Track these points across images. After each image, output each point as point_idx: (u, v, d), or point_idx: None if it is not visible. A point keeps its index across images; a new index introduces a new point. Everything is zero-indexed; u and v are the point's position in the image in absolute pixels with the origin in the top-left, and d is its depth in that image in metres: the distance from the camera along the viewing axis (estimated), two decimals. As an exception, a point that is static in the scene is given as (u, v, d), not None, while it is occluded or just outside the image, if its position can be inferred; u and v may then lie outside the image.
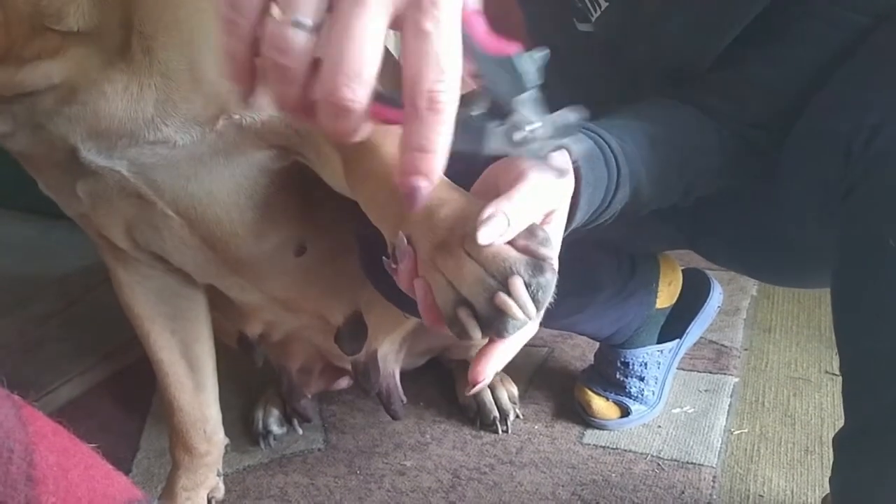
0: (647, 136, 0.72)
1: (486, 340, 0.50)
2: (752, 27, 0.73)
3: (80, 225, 0.89)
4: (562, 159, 0.58)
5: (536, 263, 0.48)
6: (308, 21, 0.38)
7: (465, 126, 0.42)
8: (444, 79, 0.39)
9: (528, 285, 0.47)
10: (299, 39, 0.38)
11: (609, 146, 0.66)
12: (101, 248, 0.92)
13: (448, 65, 0.39)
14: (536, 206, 0.51)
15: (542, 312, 0.49)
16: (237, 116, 0.73)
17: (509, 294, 0.46)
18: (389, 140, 0.61)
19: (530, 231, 0.49)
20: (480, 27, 0.41)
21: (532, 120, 0.44)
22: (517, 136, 0.44)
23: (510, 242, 0.49)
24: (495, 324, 0.47)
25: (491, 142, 0.44)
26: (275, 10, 0.39)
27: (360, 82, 0.38)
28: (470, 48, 0.40)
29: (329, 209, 0.90)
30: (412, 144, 0.40)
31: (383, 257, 0.55)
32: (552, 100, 0.67)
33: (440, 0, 0.38)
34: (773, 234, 0.86)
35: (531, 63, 0.43)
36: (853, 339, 0.72)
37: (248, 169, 0.79)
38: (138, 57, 0.69)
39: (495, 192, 0.50)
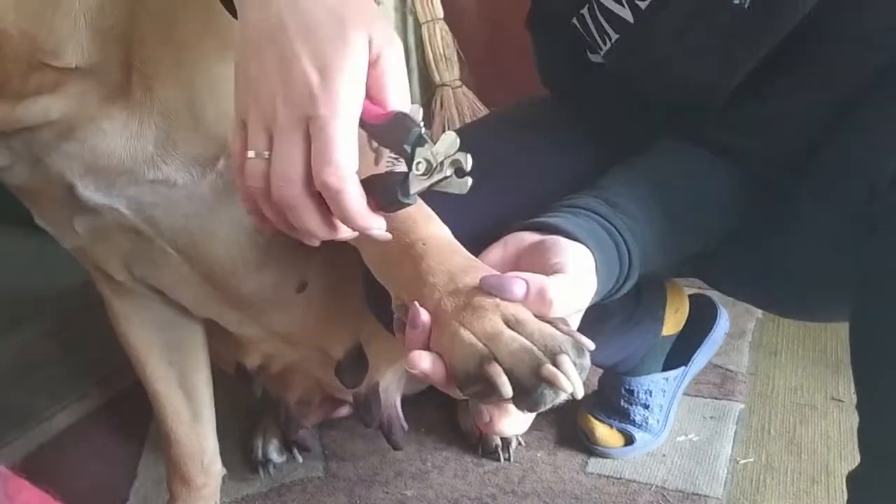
0: (659, 206, 0.72)
1: None
2: (771, 64, 0.71)
3: (75, 257, 0.87)
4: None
5: (580, 347, 0.48)
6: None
7: (387, 186, 0.50)
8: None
9: (573, 363, 0.47)
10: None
11: (623, 238, 0.66)
12: (97, 279, 0.90)
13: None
14: (577, 297, 0.54)
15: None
16: None
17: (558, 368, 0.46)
18: None
19: (564, 321, 0.51)
20: (369, 108, 0.50)
21: (429, 152, 0.49)
22: (425, 168, 0.49)
23: (552, 325, 0.49)
24: (534, 395, 0.46)
25: (412, 187, 0.50)
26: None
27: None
28: (366, 128, 0.50)
29: (331, 244, 0.88)
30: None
31: (394, 315, 0.55)
32: (557, 118, 0.67)
33: (322, 118, 0.48)
34: (783, 264, 0.84)
35: (409, 110, 0.51)
36: (871, 377, 0.71)
37: None
38: (138, 95, 0.68)
39: (519, 268, 0.55)
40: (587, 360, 0.48)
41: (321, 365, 1.00)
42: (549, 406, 0.47)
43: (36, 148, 0.70)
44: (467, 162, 0.49)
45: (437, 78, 1.86)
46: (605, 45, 0.79)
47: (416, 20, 1.86)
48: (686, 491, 1.05)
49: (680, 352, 1.14)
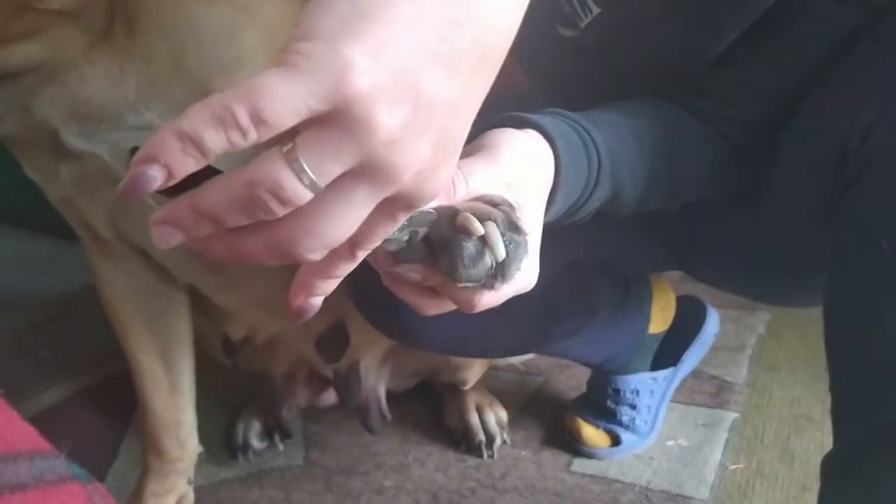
0: (632, 134, 0.70)
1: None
2: (749, 28, 0.71)
3: (64, 214, 0.89)
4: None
5: (512, 223, 0.46)
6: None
7: None
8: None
9: (502, 234, 0.45)
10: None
11: (592, 139, 0.63)
12: (86, 241, 0.91)
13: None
14: (499, 175, 0.51)
15: (505, 284, 0.47)
16: None
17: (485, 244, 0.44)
18: None
19: (510, 205, 0.48)
20: None
21: None
22: None
23: (490, 204, 0.48)
24: (451, 249, 0.44)
25: None
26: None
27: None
28: None
29: None
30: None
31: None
32: (537, 105, 0.65)
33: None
34: (765, 247, 0.83)
35: None
36: (843, 354, 0.68)
37: (233, 162, 0.78)
38: (120, 39, 0.69)
39: None
40: (521, 237, 0.46)
41: (303, 338, 0.99)
42: (473, 270, 0.45)
43: (21, 94, 0.71)
44: (420, 234, 0.46)
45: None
46: (587, 17, 0.79)
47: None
48: (671, 492, 1.02)
49: (669, 352, 1.12)
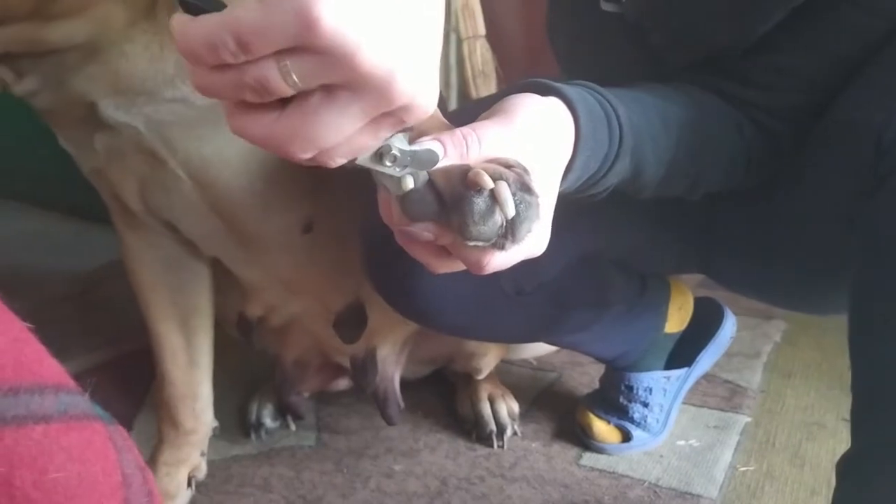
0: (660, 115, 0.69)
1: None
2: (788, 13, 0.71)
3: (95, 185, 0.91)
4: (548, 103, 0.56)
5: (524, 184, 0.47)
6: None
7: None
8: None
9: (513, 194, 0.46)
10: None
11: (616, 113, 0.62)
12: (114, 212, 0.93)
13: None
14: (511, 140, 0.51)
15: (515, 245, 0.47)
16: None
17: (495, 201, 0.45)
18: None
19: (523, 168, 0.48)
20: None
21: (397, 145, 0.45)
22: (386, 158, 0.45)
23: (503, 165, 0.48)
24: (463, 205, 0.45)
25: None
26: None
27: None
28: None
29: (338, 192, 0.90)
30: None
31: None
32: (574, 80, 0.65)
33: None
34: (788, 248, 0.82)
35: None
36: (866, 352, 0.68)
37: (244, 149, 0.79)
38: (162, 16, 0.71)
39: None
40: (532, 198, 0.47)
41: (321, 319, 1.00)
42: (483, 227, 0.45)
43: (62, 71, 0.73)
44: (414, 180, 0.46)
45: (474, 94, 1.90)
46: None
47: (458, 38, 1.90)
48: (679, 490, 1.02)
49: (684, 352, 1.12)
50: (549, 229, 0.51)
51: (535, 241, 0.49)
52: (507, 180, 0.45)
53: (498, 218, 0.45)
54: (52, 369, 0.43)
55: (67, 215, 1.99)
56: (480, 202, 0.45)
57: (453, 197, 0.46)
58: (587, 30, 0.84)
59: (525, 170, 0.47)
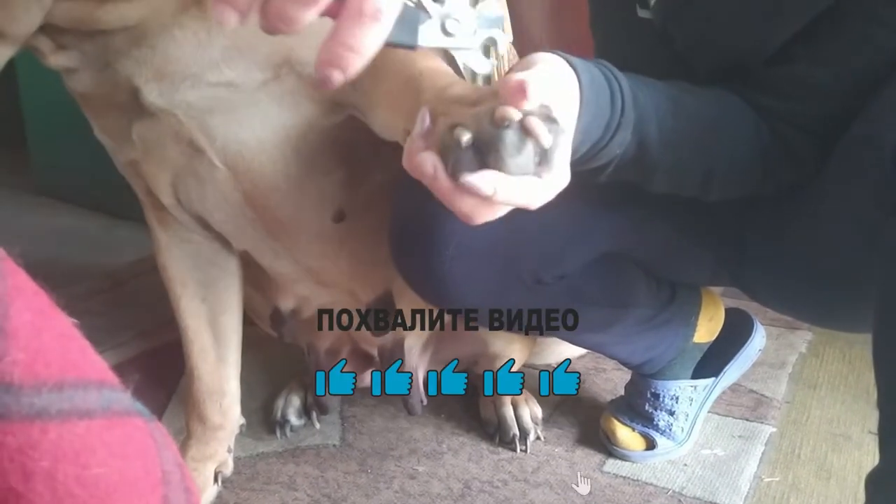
0: (671, 98, 0.71)
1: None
2: (810, 24, 0.71)
3: (128, 179, 0.92)
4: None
5: (548, 116, 0.49)
6: None
7: (400, 20, 0.45)
8: None
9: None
10: None
11: (620, 86, 0.65)
12: (147, 208, 0.94)
13: None
14: (553, 85, 0.54)
15: (552, 172, 0.50)
16: (299, 67, 0.76)
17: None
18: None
19: (545, 105, 0.51)
20: None
21: (460, 10, 0.47)
22: (449, 26, 0.47)
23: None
24: (496, 140, 0.47)
25: (425, 35, 0.47)
26: None
27: None
28: None
29: (372, 185, 0.90)
30: (343, 41, 0.44)
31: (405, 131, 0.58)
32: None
33: None
34: (815, 265, 0.81)
35: None
36: (891, 369, 0.68)
37: (300, 120, 0.80)
38: (210, 2, 0.72)
39: None
40: (560, 128, 0.49)
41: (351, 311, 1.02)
42: (520, 158, 0.48)
43: (107, 53, 0.74)
44: (499, 43, 0.49)
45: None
46: None
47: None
48: (704, 499, 1.01)
49: (711, 362, 1.11)
50: (569, 169, 0.53)
51: (564, 170, 0.52)
52: (532, 113, 0.48)
53: (530, 146, 0.48)
54: (95, 365, 0.43)
55: (92, 211, 2.02)
56: (511, 134, 0.47)
57: (486, 139, 0.48)
58: (625, 34, 0.84)
59: (547, 106, 0.50)
